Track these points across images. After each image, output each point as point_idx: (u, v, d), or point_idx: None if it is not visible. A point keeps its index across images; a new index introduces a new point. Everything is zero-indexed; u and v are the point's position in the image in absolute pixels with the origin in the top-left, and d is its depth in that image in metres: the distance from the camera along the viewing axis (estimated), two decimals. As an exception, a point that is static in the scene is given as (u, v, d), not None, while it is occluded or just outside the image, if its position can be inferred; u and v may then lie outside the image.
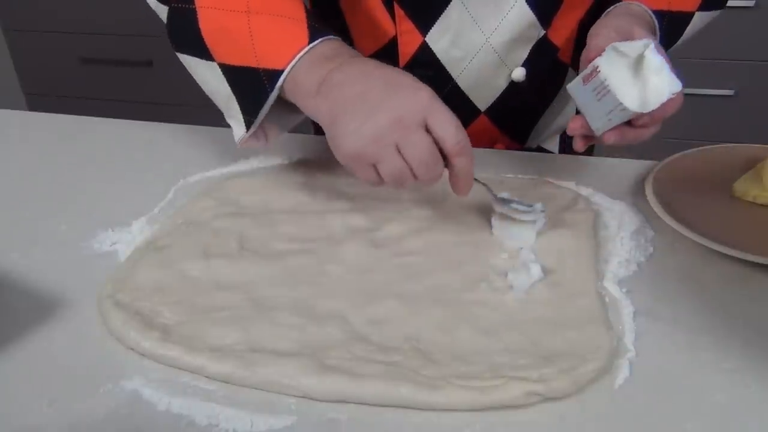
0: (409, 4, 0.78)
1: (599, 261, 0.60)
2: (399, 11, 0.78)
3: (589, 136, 0.64)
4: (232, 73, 0.66)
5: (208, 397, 0.49)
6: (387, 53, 0.82)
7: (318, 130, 1.02)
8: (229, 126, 0.70)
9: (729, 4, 0.82)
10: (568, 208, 0.66)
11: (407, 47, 0.80)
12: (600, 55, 0.61)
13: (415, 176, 0.58)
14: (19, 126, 0.92)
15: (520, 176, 0.73)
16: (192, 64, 0.69)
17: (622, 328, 0.53)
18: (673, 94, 0.58)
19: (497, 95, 0.83)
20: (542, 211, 0.62)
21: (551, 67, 0.84)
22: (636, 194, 0.69)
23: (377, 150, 0.57)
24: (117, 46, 2.13)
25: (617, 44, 0.60)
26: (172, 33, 0.69)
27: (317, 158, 0.79)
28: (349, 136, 0.58)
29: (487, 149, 0.82)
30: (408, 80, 0.59)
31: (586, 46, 0.64)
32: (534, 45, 0.80)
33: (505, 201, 0.63)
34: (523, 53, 0.80)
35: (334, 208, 0.68)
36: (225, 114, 0.70)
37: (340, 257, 0.61)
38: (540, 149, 0.93)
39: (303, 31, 0.63)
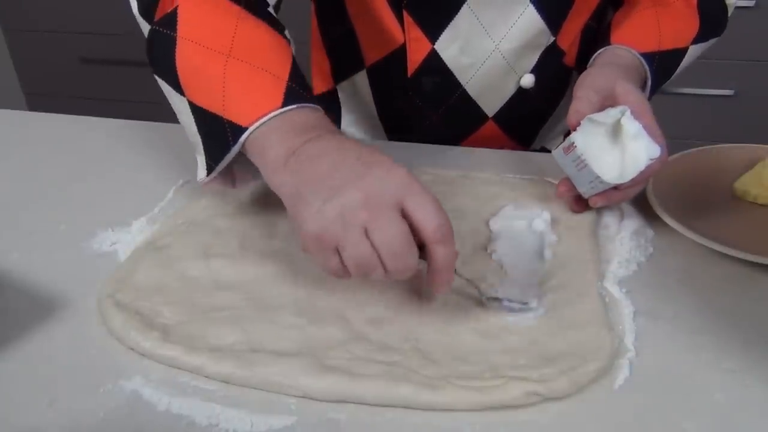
0: (418, 11, 0.77)
1: (599, 261, 0.60)
2: (408, 18, 0.78)
3: (580, 197, 0.66)
4: (199, 114, 0.59)
5: (208, 397, 0.49)
6: (395, 60, 0.82)
7: None
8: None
9: (729, 4, 0.82)
10: (569, 209, 0.66)
11: (416, 54, 0.80)
12: (576, 129, 0.63)
13: (384, 266, 0.49)
14: (19, 126, 0.92)
15: (520, 176, 0.73)
16: (165, 90, 0.63)
17: (622, 328, 0.53)
18: (651, 160, 0.60)
19: (505, 101, 0.83)
20: (537, 303, 0.55)
21: (558, 72, 0.84)
22: (636, 194, 0.69)
23: (341, 231, 0.49)
24: (117, 46, 2.13)
25: (593, 116, 0.62)
26: (150, 54, 0.64)
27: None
28: (312, 216, 0.50)
29: (487, 149, 0.82)
30: (384, 158, 0.51)
31: (570, 107, 0.65)
32: (543, 51, 0.80)
33: (496, 300, 0.55)
34: (532, 60, 0.80)
35: (334, 208, 0.67)
36: (193, 149, 0.63)
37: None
38: (543, 149, 0.93)
39: (278, 92, 0.56)
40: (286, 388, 0.48)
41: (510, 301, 0.55)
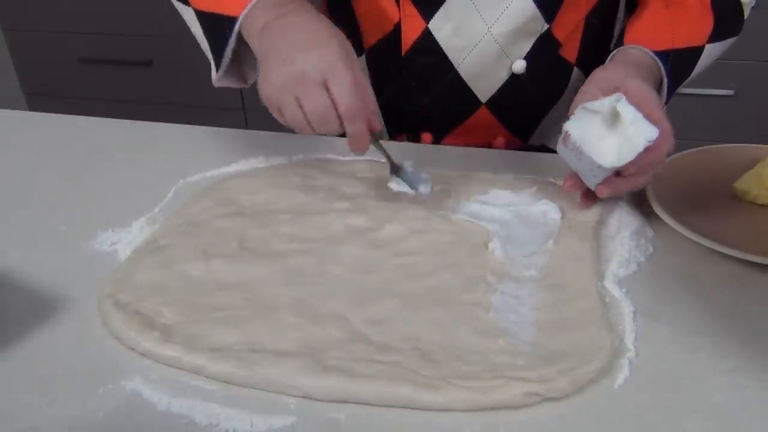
0: None
1: (599, 261, 0.60)
2: None
3: (588, 191, 0.66)
4: (203, 18, 0.72)
5: (208, 397, 0.49)
6: (391, 41, 0.83)
7: None
8: (229, 125, 0.70)
9: (729, 4, 0.82)
10: (570, 209, 0.66)
11: (410, 33, 0.81)
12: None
13: (312, 128, 0.63)
14: (19, 126, 0.92)
15: (519, 176, 0.73)
16: (180, 9, 0.75)
17: (622, 328, 0.53)
18: (649, 142, 0.59)
19: (498, 87, 0.83)
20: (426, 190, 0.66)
21: (553, 63, 0.84)
22: (636, 194, 0.69)
23: (280, 98, 0.62)
24: (117, 46, 2.13)
25: (587, 104, 0.62)
26: None
27: (317, 158, 0.79)
28: (264, 82, 0.63)
29: (487, 149, 0.82)
30: (326, 36, 0.63)
31: (573, 102, 0.66)
32: (537, 39, 0.80)
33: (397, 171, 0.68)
34: (525, 46, 0.80)
35: (334, 208, 0.68)
36: (207, 56, 0.75)
37: (339, 257, 0.61)
38: (543, 147, 0.93)
39: None
40: (286, 388, 0.48)
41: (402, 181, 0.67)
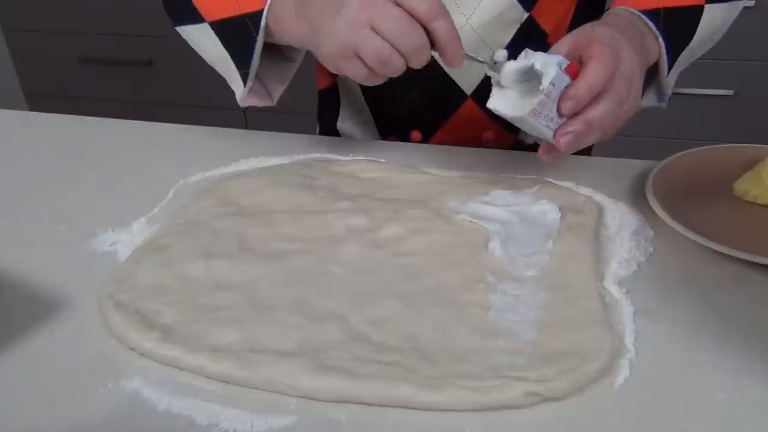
0: None
1: (599, 261, 0.60)
2: None
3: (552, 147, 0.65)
4: (220, 29, 0.70)
5: (208, 397, 0.49)
6: None
7: (322, 130, 1.02)
8: (229, 125, 0.70)
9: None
10: (570, 210, 0.66)
11: None
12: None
13: (398, 50, 0.58)
14: (19, 126, 0.92)
15: (520, 176, 0.73)
16: (189, 33, 0.73)
17: (623, 328, 0.53)
18: (560, 67, 0.58)
19: (481, 78, 0.83)
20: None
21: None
22: (636, 194, 0.69)
23: (353, 36, 0.58)
24: (117, 46, 2.13)
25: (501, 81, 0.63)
26: (166, 5, 0.74)
27: (317, 158, 0.79)
28: (327, 37, 0.60)
29: (487, 149, 0.82)
30: None
31: None
32: (519, 28, 0.79)
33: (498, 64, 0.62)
34: (507, 36, 0.80)
35: (334, 208, 0.68)
36: (227, 80, 0.73)
37: (340, 257, 0.61)
38: (539, 145, 0.93)
39: None
40: (286, 388, 0.48)
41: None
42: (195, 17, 0.71)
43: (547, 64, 0.59)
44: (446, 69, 0.82)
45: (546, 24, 0.81)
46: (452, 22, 0.58)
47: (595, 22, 0.67)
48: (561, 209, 0.66)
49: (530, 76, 0.61)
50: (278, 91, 0.76)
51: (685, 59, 0.76)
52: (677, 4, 0.72)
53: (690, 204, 0.65)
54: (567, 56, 0.62)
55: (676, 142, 0.67)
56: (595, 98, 0.60)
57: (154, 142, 0.85)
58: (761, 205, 0.67)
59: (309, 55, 0.75)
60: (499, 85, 0.63)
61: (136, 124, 0.90)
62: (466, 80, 0.84)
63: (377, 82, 0.62)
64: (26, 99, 2.39)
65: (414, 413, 0.47)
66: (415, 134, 0.89)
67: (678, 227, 0.61)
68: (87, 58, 2.19)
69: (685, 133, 1.76)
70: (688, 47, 0.74)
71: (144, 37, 2.06)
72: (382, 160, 0.78)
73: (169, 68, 2.09)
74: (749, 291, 0.57)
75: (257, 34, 0.66)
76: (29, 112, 0.98)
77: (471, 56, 0.62)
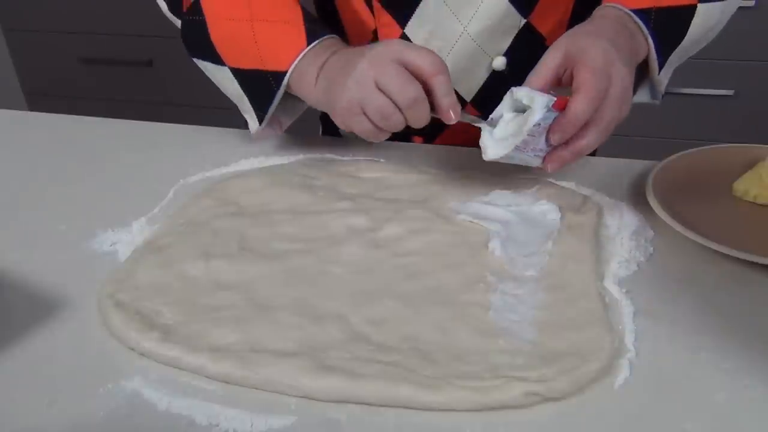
0: None
1: (599, 261, 0.60)
2: (376, 4, 0.79)
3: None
4: (242, 76, 0.74)
5: (208, 397, 0.49)
6: None
7: (325, 130, 1.02)
8: (229, 125, 0.71)
9: (729, 4, 0.81)
10: (570, 210, 0.66)
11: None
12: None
13: (398, 107, 0.62)
14: (19, 126, 0.92)
15: (520, 176, 0.73)
16: (205, 67, 0.76)
17: (622, 328, 0.53)
18: (548, 108, 0.60)
19: (480, 85, 0.83)
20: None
21: (538, 57, 0.84)
22: (636, 194, 0.69)
23: (360, 93, 0.63)
24: (117, 46, 2.13)
25: (492, 115, 0.66)
26: (186, 41, 0.77)
27: (317, 158, 0.79)
28: (339, 94, 0.65)
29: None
30: (368, 47, 0.65)
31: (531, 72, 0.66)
32: (516, 34, 0.79)
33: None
34: (505, 42, 0.80)
35: (334, 208, 0.68)
36: (240, 110, 0.77)
37: (339, 257, 0.61)
38: None
39: (301, 35, 0.70)
40: (286, 388, 0.48)
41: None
42: (215, 59, 0.74)
43: (534, 101, 0.61)
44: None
45: (543, 28, 0.81)
46: (448, 78, 0.63)
47: (587, 26, 0.68)
48: (561, 209, 0.66)
49: (520, 108, 0.64)
50: (287, 122, 0.80)
51: (677, 57, 0.75)
52: (669, 4, 0.71)
53: (690, 204, 0.65)
54: (560, 68, 0.64)
55: (676, 142, 0.67)
56: (582, 127, 0.62)
57: (154, 142, 0.85)
58: (761, 205, 0.67)
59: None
60: (488, 130, 0.66)
61: (136, 124, 0.90)
62: (466, 88, 0.84)
63: (381, 137, 0.66)
64: (26, 99, 2.39)
65: (414, 413, 0.47)
66: (417, 140, 0.89)
67: (678, 227, 0.61)
68: (87, 58, 2.19)
69: (685, 133, 1.76)
70: (681, 46, 0.74)
71: (144, 37, 2.06)
72: (382, 160, 0.78)
73: (169, 68, 2.09)
74: (749, 291, 0.57)
75: (278, 89, 0.71)
76: (29, 112, 0.98)
77: (467, 116, 0.66)
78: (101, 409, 0.48)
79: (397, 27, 0.80)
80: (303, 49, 0.70)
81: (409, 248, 0.62)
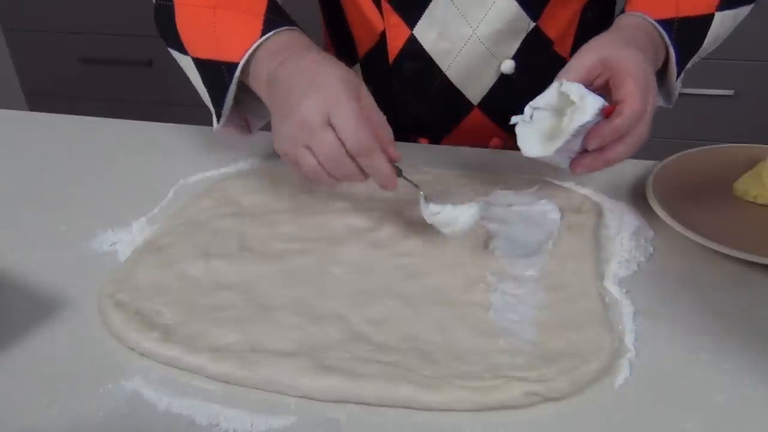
0: None
1: (599, 261, 0.60)
2: (386, 5, 0.79)
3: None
4: (202, 67, 0.69)
5: (208, 397, 0.49)
6: (379, 48, 0.83)
7: None
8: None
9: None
10: (570, 210, 0.66)
11: (395, 41, 0.81)
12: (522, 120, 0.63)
13: (329, 174, 0.59)
14: (19, 126, 0.92)
15: (520, 176, 0.73)
16: (177, 57, 0.72)
17: (622, 328, 0.53)
18: (597, 113, 0.59)
19: (488, 88, 0.83)
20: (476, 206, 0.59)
21: (546, 61, 0.84)
22: (636, 194, 0.69)
23: (293, 150, 0.59)
24: (117, 46, 2.13)
25: (533, 102, 0.63)
26: (158, 28, 0.73)
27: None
28: (276, 136, 0.61)
29: (487, 149, 0.82)
30: (324, 75, 0.59)
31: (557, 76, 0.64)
32: (525, 37, 0.79)
33: (432, 200, 0.61)
34: (513, 45, 0.80)
35: (334, 208, 0.68)
36: (208, 105, 0.72)
37: (339, 257, 0.61)
38: None
39: (258, 25, 0.65)
40: (286, 388, 0.48)
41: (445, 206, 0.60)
42: (181, 48, 0.71)
43: (584, 100, 0.59)
44: (452, 78, 0.82)
45: (551, 32, 0.81)
46: (381, 158, 0.58)
47: (618, 33, 0.67)
48: (561, 209, 0.66)
49: (562, 105, 0.61)
50: (258, 125, 0.75)
51: (690, 63, 0.76)
52: (690, 14, 0.72)
53: (690, 204, 0.65)
54: (593, 70, 0.62)
55: (676, 142, 0.67)
56: (617, 138, 0.61)
57: (154, 142, 0.85)
58: (761, 205, 0.67)
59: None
60: (526, 124, 0.63)
61: (136, 124, 0.90)
62: (474, 91, 0.84)
63: (328, 184, 0.61)
64: (26, 99, 2.38)
65: (414, 413, 0.47)
66: (422, 142, 0.89)
67: (678, 227, 0.61)
68: (87, 58, 2.19)
69: (685, 133, 1.76)
70: (696, 54, 0.75)
71: (144, 37, 2.06)
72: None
73: (169, 68, 2.08)
74: (749, 291, 0.57)
75: (230, 82, 0.66)
76: (29, 112, 0.98)
77: (408, 180, 0.62)
78: (101, 409, 0.48)
79: (405, 28, 0.80)
80: (256, 40, 0.64)
81: (409, 248, 0.62)
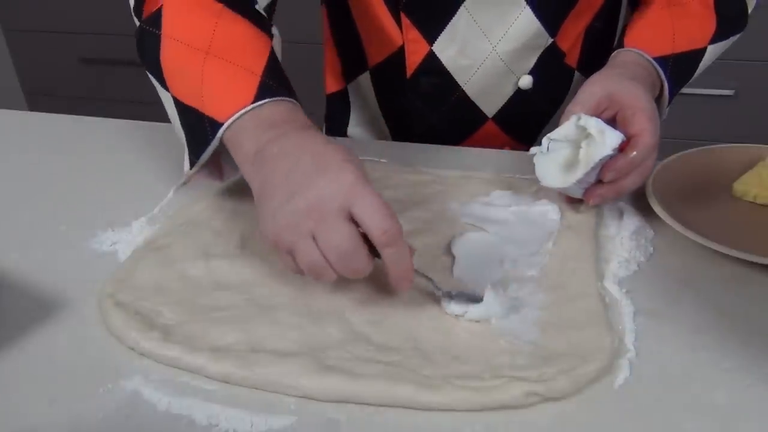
0: (415, 13, 0.78)
1: (599, 261, 0.60)
2: (405, 20, 0.78)
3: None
4: (182, 109, 0.62)
5: (208, 397, 0.49)
6: (395, 62, 0.82)
7: (329, 131, 1.01)
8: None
9: (729, 4, 0.82)
10: (570, 210, 0.66)
11: (414, 56, 0.80)
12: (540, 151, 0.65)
13: (333, 269, 0.51)
14: (19, 126, 0.92)
15: (520, 176, 0.73)
16: (155, 84, 0.66)
17: (623, 328, 0.53)
18: (614, 150, 0.61)
19: (504, 102, 0.83)
20: (494, 299, 0.53)
21: (558, 73, 0.84)
22: (636, 194, 0.69)
23: (292, 238, 0.51)
24: (117, 46, 2.13)
25: (551, 134, 0.65)
26: (139, 50, 0.67)
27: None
28: (268, 219, 0.52)
29: (487, 149, 0.82)
30: (336, 160, 0.52)
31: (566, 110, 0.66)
32: (542, 53, 0.80)
33: (452, 296, 0.54)
34: (531, 61, 0.80)
35: (334, 208, 0.67)
36: (180, 141, 0.65)
37: (340, 257, 0.61)
38: None
39: (251, 88, 0.58)
40: (286, 388, 0.48)
41: (460, 294, 0.54)
42: (162, 82, 0.64)
43: (604, 134, 0.61)
44: (469, 93, 0.82)
45: (564, 44, 0.82)
46: (406, 247, 0.51)
47: (620, 69, 0.69)
48: (561, 209, 0.66)
49: (578, 137, 0.63)
50: (231, 174, 0.67)
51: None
52: (684, 50, 0.74)
53: (690, 204, 0.65)
54: (600, 103, 0.64)
55: (676, 142, 0.67)
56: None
57: (154, 142, 0.85)
58: (761, 205, 0.67)
59: (315, 58, 0.75)
60: (543, 156, 0.65)
61: (136, 124, 0.90)
62: (490, 104, 0.84)
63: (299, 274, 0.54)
64: (26, 99, 2.39)
65: (414, 413, 0.47)
66: None
67: (678, 227, 0.61)
68: (87, 58, 2.19)
69: (685, 133, 1.76)
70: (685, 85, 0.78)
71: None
72: (382, 160, 0.78)
73: (169, 68, 2.09)
74: (749, 291, 0.57)
75: (212, 138, 0.59)
76: (29, 112, 0.98)
77: (422, 274, 0.56)
78: (101, 409, 0.48)
79: (425, 43, 0.79)
80: (246, 106, 0.57)
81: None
